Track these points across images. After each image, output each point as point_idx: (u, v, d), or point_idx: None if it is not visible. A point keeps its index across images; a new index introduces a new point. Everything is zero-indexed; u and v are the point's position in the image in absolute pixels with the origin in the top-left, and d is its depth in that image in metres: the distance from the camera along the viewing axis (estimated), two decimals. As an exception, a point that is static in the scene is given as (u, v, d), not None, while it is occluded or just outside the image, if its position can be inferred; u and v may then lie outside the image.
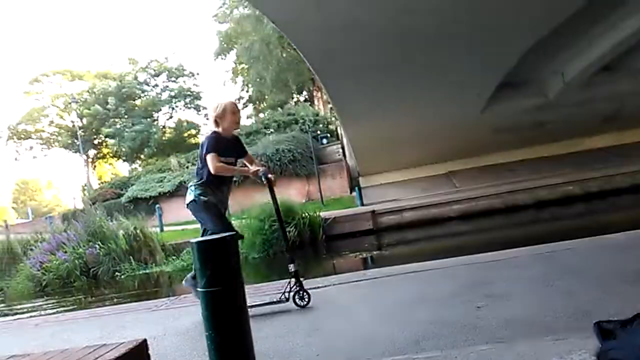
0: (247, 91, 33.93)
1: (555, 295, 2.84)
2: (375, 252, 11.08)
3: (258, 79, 30.62)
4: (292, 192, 17.70)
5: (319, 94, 29.47)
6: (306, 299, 3.61)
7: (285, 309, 3.48)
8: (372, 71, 11.17)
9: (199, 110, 34.84)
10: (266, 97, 32.09)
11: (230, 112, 3.89)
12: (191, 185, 3.94)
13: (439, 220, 12.69)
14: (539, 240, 4.81)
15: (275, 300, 3.64)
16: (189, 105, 34.74)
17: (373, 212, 13.27)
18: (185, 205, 3.95)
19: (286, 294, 3.65)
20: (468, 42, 10.21)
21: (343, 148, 19.55)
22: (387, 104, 12.60)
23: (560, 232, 7.88)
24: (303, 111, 24.79)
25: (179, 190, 19.04)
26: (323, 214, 13.55)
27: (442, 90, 12.42)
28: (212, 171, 3.74)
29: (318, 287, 4.01)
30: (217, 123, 3.88)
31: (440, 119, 13.78)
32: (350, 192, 17.39)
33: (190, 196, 3.91)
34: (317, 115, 25.82)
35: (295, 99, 32.22)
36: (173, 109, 34.62)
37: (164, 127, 34.31)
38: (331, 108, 17.81)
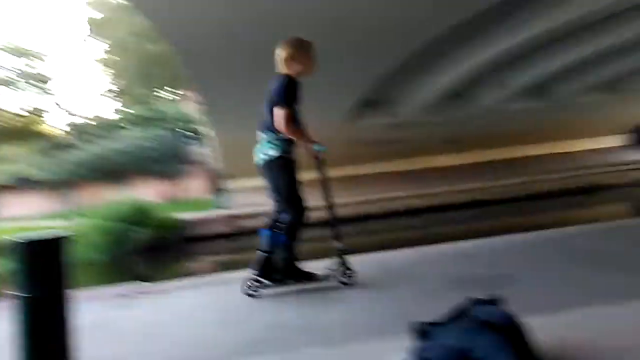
0: (114, 83, 31.73)
1: (385, 300, 3.08)
2: (233, 256, 11.01)
3: (126, 71, 28.84)
4: (151, 192, 16.88)
5: (187, 93, 28.60)
6: (352, 278, 3.42)
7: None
8: (244, 74, 11.13)
9: (48, 95, 31.54)
10: (133, 90, 30.29)
11: (310, 50, 3.46)
12: (270, 142, 3.38)
13: (298, 226, 13.02)
14: (382, 248, 5.14)
15: (320, 276, 3.43)
16: (36, 88, 31.29)
17: (233, 216, 13.19)
18: (265, 162, 3.41)
19: (331, 272, 3.44)
20: (334, 59, 10.70)
21: (209, 149, 19.13)
22: (256, 108, 12.64)
23: (398, 241, 8.58)
24: (170, 108, 23.84)
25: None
26: (181, 215, 13.13)
27: (307, 100, 12.78)
28: (277, 126, 3.28)
29: (162, 291, 3.85)
30: (290, 62, 3.39)
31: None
32: (213, 195, 17.09)
33: (273, 152, 3.37)
34: (183, 114, 25.03)
35: (162, 96, 30.83)
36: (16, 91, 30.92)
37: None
38: (199, 107, 17.38)
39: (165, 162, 17.86)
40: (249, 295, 3.37)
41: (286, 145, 3.42)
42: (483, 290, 2.42)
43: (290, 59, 3.42)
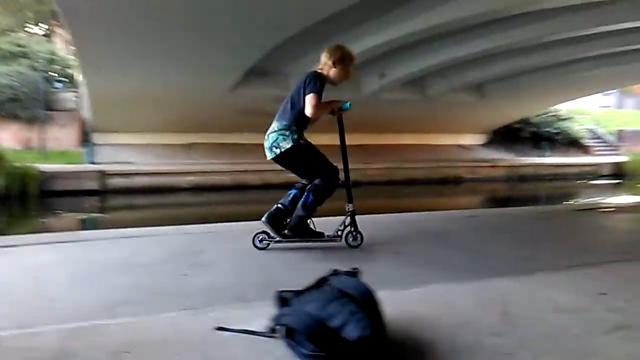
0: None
1: (254, 267, 3.13)
2: (95, 214, 10.34)
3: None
4: (6, 137, 15.12)
5: (60, 31, 25.76)
6: (359, 240, 3.60)
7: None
8: (127, 25, 10.33)
9: None
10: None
11: (350, 65, 3.65)
12: (280, 130, 3.51)
13: (171, 190, 12.58)
14: (257, 217, 5.16)
15: (328, 236, 3.60)
16: None
17: (102, 171, 12.35)
18: (277, 155, 3.53)
19: (339, 232, 3.59)
20: (223, 27, 10.40)
21: (79, 98, 17.51)
22: (136, 62, 11.83)
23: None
24: (37, 46, 21.29)
25: None
26: (43, 166, 11.98)
27: (194, 65, 12.29)
28: (309, 113, 3.42)
29: (10, 246, 3.51)
30: (329, 66, 3.58)
31: (188, 90, 13.63)
32: (81, 147, 15.77)
33: (285, 143, 3.50)
34: (54, 54, 22.52)
35: (29, 30, 27.39)
36: None
37: None
38: (72, 50, 15.74)
39: (28, 105, 15.95)
40: (258, 248, 3.52)
41: (296, 134, 3.56)
42: (345, 264, 2.56)
43: (332, 65, 3.63)
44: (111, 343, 1.81)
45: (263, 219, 3.54)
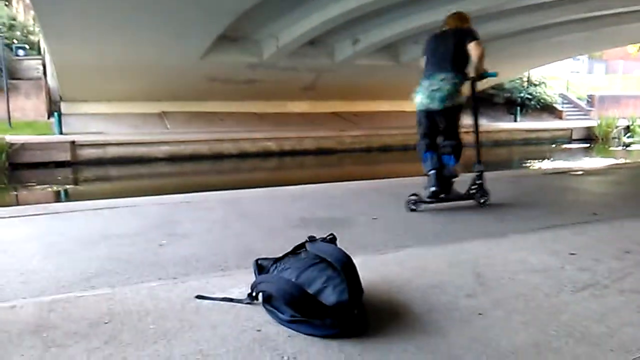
0: None
1: (231, 236, 3.13)
2: (68, 186, 10.14)
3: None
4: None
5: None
6: (486, 197, 3.93)
7: None
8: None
9: None
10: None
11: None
12: (455, 83, 3.76)
13: (145, 160, 12.39)
14: (233, 186, 5.15)
15: (461, 194, 3.91)
16: None
17: (72, 142, 12.07)
18: (443, 108, 3.77)
19: (471, 191, 3.89)
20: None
21: (44, 65, 16.86)
22: (103, 26, 11.36)
23: (255, 181, 8.68)
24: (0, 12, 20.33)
25: None
26: (9, 137, 11.63)
27: (164, 31, 11.89)
28: (476, 58, 3.71)
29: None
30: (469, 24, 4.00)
31: (158, 57, 13.23)
32: (48, 118, 15.30)
33: (457, 97, 3.79)
34: (15, 20, 21.51)
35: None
36: None
37: None
38: (34, 15, 15.05)
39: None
40: (412, 210, 3.79)
41: (461, 87, 3.83)
42: (322, 231, 2.59)
43: (466, 22, 4.06)
44: (90, 314, 1.80)
45: (433, 188, 3.81)
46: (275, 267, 1.91)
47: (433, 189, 3.81)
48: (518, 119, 21.93)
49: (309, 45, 14.38)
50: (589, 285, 2.12)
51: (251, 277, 1.98)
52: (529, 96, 23.22)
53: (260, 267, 2.00)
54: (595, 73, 34.36)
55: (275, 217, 3.60)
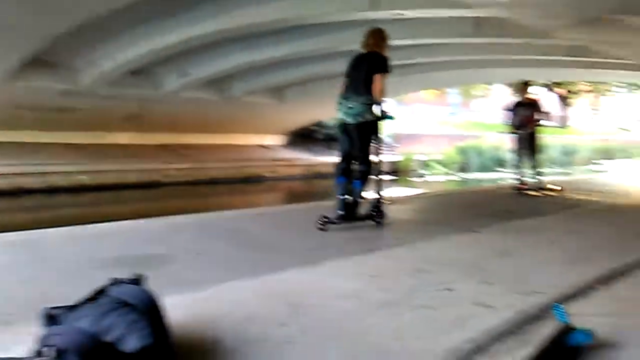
0: None
1: (21, 282, 2.74)
2: None
3: None
4: None
5: None
6: (385, 219, 4.48)
7: None
8: None
9: None
10: None
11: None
12: (367, 104, 4.18)
13: None
14: (33, 226, 4.57)
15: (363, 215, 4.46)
16: None
17: None
18: (355, 124, 4.23)
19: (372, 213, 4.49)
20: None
21: None
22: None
23: (62, 219, 7.81)
24: None
25: None
26: None
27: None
28: (377, 92, 4.12)
29: None
30: (380, 47, 4.41)
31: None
32: None
33: (368, 115, 4.21)
34: None
35: None
36: None
37: None
38: None
39: None
40: (321, 229, 4.15)
41: (373, 109, 4.23)
42: (133, 270, 2.40)
43: (378, 44, 4.49)
44: None
45: (340, 212, 4.27)
46: (70, 316, 1.71)
47: (340, 212, 4.30)
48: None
49: (131, 74, 13.70)
50: (386, 305, 2.32)
51: (41, 330, 1.74)
52: (347, 132, 25.21)
53: (51, 318, 1.77)
54: (399, 114, 38.91)
55: (81, 258, 3.26)
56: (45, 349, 1.61)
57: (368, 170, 4.44)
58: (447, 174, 21.18)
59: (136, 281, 1.83)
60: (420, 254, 3.42)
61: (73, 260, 3.23)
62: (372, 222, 4.46)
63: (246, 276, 2.80)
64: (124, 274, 2.01)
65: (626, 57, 11.82)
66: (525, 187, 7.33)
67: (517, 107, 7.42)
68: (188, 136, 18.69)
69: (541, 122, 7.39)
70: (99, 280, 2.31)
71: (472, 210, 5.94)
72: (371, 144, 4.39)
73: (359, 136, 4.31)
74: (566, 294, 2.39)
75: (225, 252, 3.59)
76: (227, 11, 10.20)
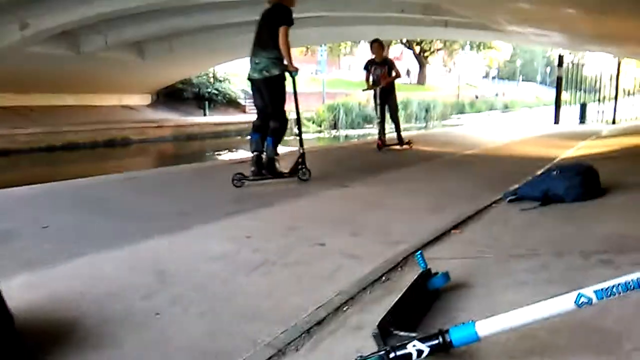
0: None
1: None
2: None
3: None
4: None
5: None
6: (307, 175, 4.59)
7: None
8: None
9: None
10: None
11: None
12: (273, 58, 4.27)
13: None
14: None
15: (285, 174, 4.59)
16: None
17: None
18: (262, 79, 4.35)
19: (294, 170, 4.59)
20: None
21: None
22: None
23: None
24: None
25: None
26: None
27: None
28: (283, 46, 4.17)
29: None
30: None
31: None
32: None
33: (275, 69, 4.30)
34: None
35: None
36: None
37: None
38: None
39: None
40: (236, 186, 4.27)
41: (283, 64, 4.27)
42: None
43: None
44: None
45: (253, 168, 4.43)
46: None
47: (252, 169, 4.45)
48: (207, 113, 22.84)
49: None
50: (260, 265, 2.30)
51: None
52: (216, 91, 24.43)
53: None
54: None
55: None
56: None
57: (281, 126, 4.52)
58: (318, 131, 21.67)
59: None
60: (291, 213, 3.44)
61: None
62: (292, 178, 4.57)
63: (108, 248, 2.59)
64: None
65: (469, 17, 12.86)
66: (386, 141, 7.64)
67: (371, 65, 7.57)
68: (38, 97, 16.74)
69: (395, 79, 7.64)
70: None
71: (341, 166, 6.13)
72: (282, 99, 4.45)
73: (268, 91, 4.38)
74: (426, 240, 2.56)
75: (80, 222, 3.27)
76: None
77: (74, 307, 1.84)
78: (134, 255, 2.45)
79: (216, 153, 15.06)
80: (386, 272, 2.15)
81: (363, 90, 8.24)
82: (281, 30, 4.18)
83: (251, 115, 23.30)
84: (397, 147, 7.66)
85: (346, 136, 20.18)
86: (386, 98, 7.56)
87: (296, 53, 32.00)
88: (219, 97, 24.50)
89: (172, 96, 22.84)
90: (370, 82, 7.63)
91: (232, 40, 17.61)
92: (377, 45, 7.65)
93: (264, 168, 4.50)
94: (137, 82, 20.17)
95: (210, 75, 24.90)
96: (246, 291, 2.01)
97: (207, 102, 23.43)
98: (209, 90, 24.11)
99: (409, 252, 2.33)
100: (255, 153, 4.49)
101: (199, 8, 13.70)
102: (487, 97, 44.56)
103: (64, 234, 2.95)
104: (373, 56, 7.69)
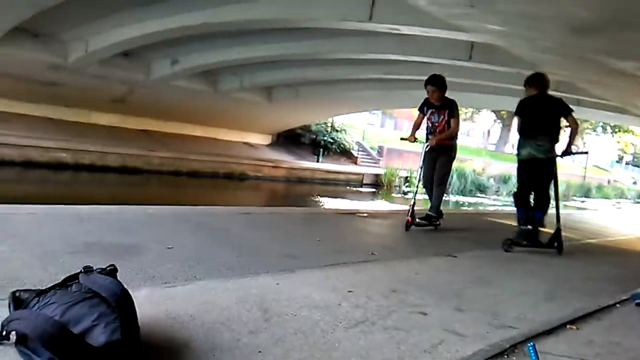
0: None
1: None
2: None
3: None
4: None
5: None
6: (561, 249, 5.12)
7: None
8: None
9: None
10: None
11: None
12: (552, 143, 4.98)
13: None
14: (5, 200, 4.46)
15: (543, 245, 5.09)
16: None
17: None
18: (545, 159, 4.93)
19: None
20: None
21: None
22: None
23: (37, 196, 7.65)
24: None
25: None
26: None
27: None
28: (575, 132, 5.11)
29: None
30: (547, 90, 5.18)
31: None
32: None
33: (553, 153, 5.01)
34: None
35: None
36: None
37: None
38: None
39: None
40: (507, 251, 4.82)
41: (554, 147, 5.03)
42: (107, 258, 2.35)
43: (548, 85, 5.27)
44: None
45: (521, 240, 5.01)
46: (38, 302, 1.66)
47: (520, 241, 4.99)
48: (320, 159, 23.64)
49: (123, 56, 13.50)
50: (360, 322, 2.30)
51: (6, 313, 1.68)
52: (332, 140, 25.32)
53: (18, 301, 1.72)
54: (386, 127, 39.33)
55: (53, 239, 3.17)
56: (7, 332, 1.56)
57: (547, 201, 5.08)
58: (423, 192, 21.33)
59: (109, 272, 1.77)
60: (396, 273, 3.41)
61: (45, 240, 3.14)
62: (551, 249, 5.00)
63: (222, 277, 2.76)
64: (95, 261, 1.96)
65: (607, 98, 12.13)
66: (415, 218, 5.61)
67: (428, 108, 5.83)
68: (171, 125, 18.51)
69: (452, 133, 5.78)
70: (71, 264, 2.25)
71: (450, 233, 5.96)
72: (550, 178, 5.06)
73: (546, 171, 4.98)
74: (538, 331, 2.40)
75: (199, 248, 3.52)
76: (214, 5, 10.12)
77: (187, 328, 1.98)
78: (243, 288, 2.57)
79: (323, 199, 15.42)
80: (490, 357, 2.04)
81: (401, 139, 6.22)
82: (572, 118, 5.01)
83: (361, 168, 23.77)
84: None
85: (456, 202, 19.64)
86: (435, 159, 5.71)
87: (413, 112, 32.40)
88: (334, 146, 25.32)
89: (291, 139, 24.03)
90: (426, 132, 5.83)
91: (353, 95, 18.32)
92: (433, 88, 5.60)
93: (533, 239, 5.06)
94: (261, 123, 21.54)
95: (329, 124, 25.91)
96: (345, 347, 2.02)
97: (321, 149, 24.30)
98: (325, 138, 25.05)
99: (517, 341, 2.20)
100: (524, 227, 5.14)
101: (326, 62, 14.50)
102: (620, 184, 41.11)
103: (185, 256, 3.18)
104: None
